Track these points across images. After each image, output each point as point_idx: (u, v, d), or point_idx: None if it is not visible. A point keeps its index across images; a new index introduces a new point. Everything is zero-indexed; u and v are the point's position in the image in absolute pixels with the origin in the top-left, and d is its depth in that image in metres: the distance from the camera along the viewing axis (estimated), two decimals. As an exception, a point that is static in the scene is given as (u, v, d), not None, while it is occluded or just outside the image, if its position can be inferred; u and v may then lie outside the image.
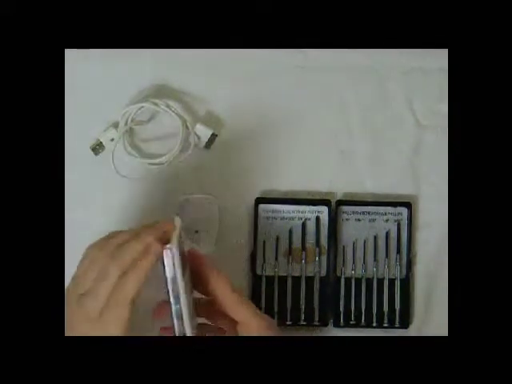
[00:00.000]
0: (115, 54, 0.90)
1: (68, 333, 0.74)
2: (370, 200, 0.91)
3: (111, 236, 0.75)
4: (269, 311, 0.88)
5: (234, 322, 0.77)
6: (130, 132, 0.91)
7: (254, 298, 0.89)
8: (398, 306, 0.90)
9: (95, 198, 0.90)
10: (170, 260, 0.71)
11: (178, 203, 0.89)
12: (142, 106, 0.90)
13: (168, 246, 0.71)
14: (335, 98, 0.92)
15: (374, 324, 0.90)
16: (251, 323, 0.76)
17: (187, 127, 0.90)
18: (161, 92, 0.91)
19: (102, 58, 0.90)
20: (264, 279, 0.90)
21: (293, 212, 0.90)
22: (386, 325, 0.90)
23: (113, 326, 0.72)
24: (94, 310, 0.72)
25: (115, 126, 0.90)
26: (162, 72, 0.91)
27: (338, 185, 0.91)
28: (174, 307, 0.74)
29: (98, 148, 0.90)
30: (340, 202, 0.90)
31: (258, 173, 0.91)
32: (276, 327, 0.78)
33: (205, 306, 0.78)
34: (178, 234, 0.72)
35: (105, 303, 0.72)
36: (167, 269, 0.72)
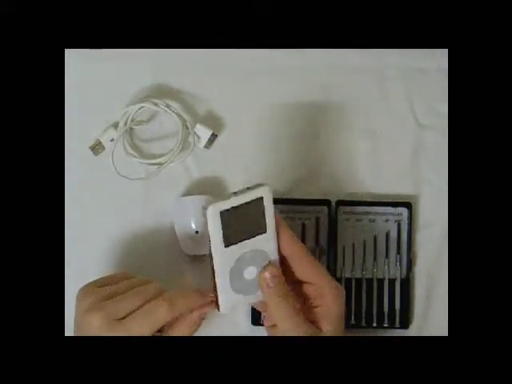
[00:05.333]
0: (115, 54, 0.90)
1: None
2: (369, 200, 0.91)
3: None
4: (269, 311, 0.88)
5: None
6: (130, 132, 0.91)
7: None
8: (398, 307, 0.90)
9: (95, 198, 0.90)
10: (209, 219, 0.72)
11: (178, 203, 0.89)
12: (142, 106, 0.90)
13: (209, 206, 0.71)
14: (335, 97, 0.92)
15: (375, 324, 0.90)
16: (326, 286, 0.76)
17: (187, 127, 0.90)
18: (161, 92, 0.91)
19: (102, 57, 0.90)
20: (264, 279, 0.90)
21: (292, 212, 0.90)
22: (386, 325, 0.90)
23: (139, 328, 0.74)
24: (119, 312, 0.75)
25: (115, 126, 0.90)
26: (162, 72, 0.91)
27: (338, 185, 0.91)
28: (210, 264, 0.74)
29: (97, 148, 0.90)
30: (340, 203, 0.90)
31: (257, 173, 0.90)
32: (344, 295, 0.78)
33: None
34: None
35: (136, 308, 0.75)
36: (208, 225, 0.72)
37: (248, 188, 0.73)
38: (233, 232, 0.73)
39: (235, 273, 0.74)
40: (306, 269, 0.76)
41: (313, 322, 0.77)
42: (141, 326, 0.75)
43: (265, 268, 0.76)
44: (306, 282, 0.77)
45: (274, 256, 0.76)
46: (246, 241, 0.74)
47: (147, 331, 0.75)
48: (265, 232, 0.74)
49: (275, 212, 0.75)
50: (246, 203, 0.72)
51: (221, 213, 0.71)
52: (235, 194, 0.72)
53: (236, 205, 0.72)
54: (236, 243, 0.73)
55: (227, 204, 0.71)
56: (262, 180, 0.89)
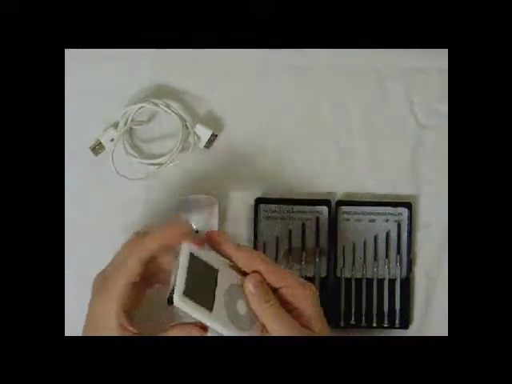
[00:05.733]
0: (115, 54, 0.90)
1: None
2: (370, 200, 0.91)
3: None
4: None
5: None
6: (130, 132, 0.91)
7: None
8: (398, 307, 0.90)
9: (95, 199, 0.90)
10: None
11: (178, 203, 0.89)
12: (142, 106, 0.90)
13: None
14: (335, 97, 0.92)
15: (374, 324, 0.90)
16: (296, 284, 0.77)
17: (187, 127, 0.90)
18: (161, 92, 0.91)
19: (102, 58, 0.90)
20: (264, 279, 0.90)
21: (293, 212, 0.90)
22: (386, 325, 0.90)
23: (119, 279, 0.76)
24: (108, 270, 0.78)
25: (115, 126, 0.90)
26: (162, 72, 0.91)
27: (338, 185, 0.91)
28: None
29: (97, 148, 0.90)
30: (340, 203, 0.90)
31: (258, 173, 0.91)
32: (312, 287, 0.78)
33: None
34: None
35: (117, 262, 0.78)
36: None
37: (175, 257, 0.75)
38: (204, 296, 0.74)
39: (233, 317, 0.76)
40: (273, 274, 0.77)
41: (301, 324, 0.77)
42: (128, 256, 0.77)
43: (247, 280, 0.77)
44: (279, 288, 0.77)
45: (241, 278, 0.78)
46: (216, 289, 0.75)
47: (136, 261, 0.76)
48: (217, 271, 0.76)
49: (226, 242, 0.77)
50: (188, 269, 0.74)
51: (183, 296, 0.73)
52: (173, 275, 0.74)
53: (184, 278, 0.74)
54: (213, 300, 0.75)
55: (180, 286, 0.73)
56: (262, 179, 0.90)
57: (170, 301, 0.73)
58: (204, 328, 0.75)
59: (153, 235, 0.77)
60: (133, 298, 0.77)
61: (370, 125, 0.92)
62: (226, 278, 0.76)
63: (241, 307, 0.76)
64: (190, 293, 0.73)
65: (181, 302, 0.73)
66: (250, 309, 0.77)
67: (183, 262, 0.74)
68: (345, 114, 0.92)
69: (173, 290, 0.73)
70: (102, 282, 0.77)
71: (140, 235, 0.78)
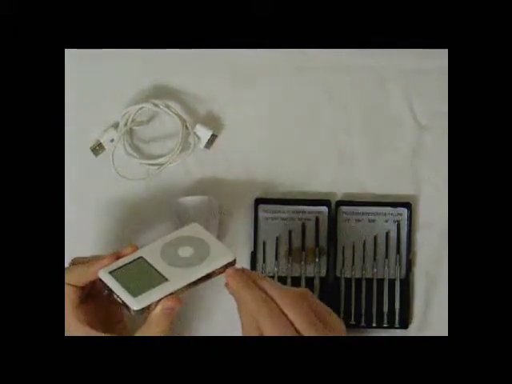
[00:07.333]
0: (115, 54, 0.90)
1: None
2: (369, 200, 0.91)
3: None
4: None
5: None
6: (130, 133, 0.92)
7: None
8: (397, 307, 0.90)
9: (95, 199, 0.90)
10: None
11: (178, 204, 0.89)
12: (142, 107, 0.90)
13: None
14: (335, 97, 0.92)
15: (374, 324, 0.90)
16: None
17: (187, 128, 0.90)
18: (161, 92, 0.91)
19: (102, 57, 0.90)
20: (264, 279, 0.90)
21: (293, 212, 0.90)
22: (385, 325, 0.90)
23: (67, 306, 0.79)
24: None
25: (115, 126, 0.91)
26: (162, 72, 0.91)
27: (338, 185, 0.91)
28: None
29: (97, 149, 0.90)
30: (340, 203, 0.90)
31: (258, 173, 0.91)
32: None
33: None
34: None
35: None
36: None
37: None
38: (151, 279, 0.77)
39: (180, 263, 0.78)
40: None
41: None
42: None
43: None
44: None
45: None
46: (154, 265, 0.78)
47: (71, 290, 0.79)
48: (141, 257, 0.78)
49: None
50: (119, 282, 0.77)
51: (137, 299, 0.75)
52: (115, 296, 0.77)
53: (124, 289, 0.76)
54: (159, 273, 0.77)
55: (127, 297, 0.75)
56: (262, 179, 0.90)
57: (136, 312, 0.75)
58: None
59: (77, 272, 0.79)
60: (91, 311, 0.80)
61: (370, 125, 0.92)
62: (153, 252, 0.78)
63: (184, 252, 0.78)
64: (138, 290, 0.75)
65: (141, 303, 0.75)
66: (197, 248, 0.78)
67: (111, 283, 0.77)
68: (345, 114, 0.92)
69: (127, 306, 0.75)
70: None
71: (73, 267, 0.81)
